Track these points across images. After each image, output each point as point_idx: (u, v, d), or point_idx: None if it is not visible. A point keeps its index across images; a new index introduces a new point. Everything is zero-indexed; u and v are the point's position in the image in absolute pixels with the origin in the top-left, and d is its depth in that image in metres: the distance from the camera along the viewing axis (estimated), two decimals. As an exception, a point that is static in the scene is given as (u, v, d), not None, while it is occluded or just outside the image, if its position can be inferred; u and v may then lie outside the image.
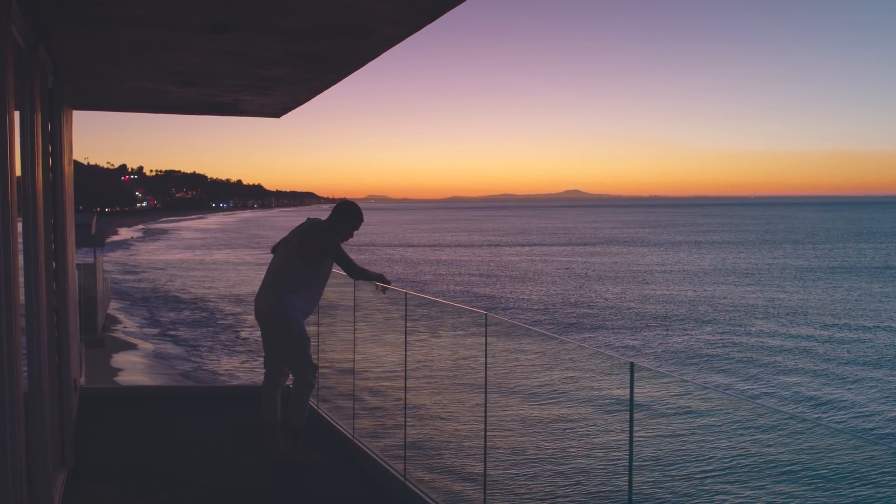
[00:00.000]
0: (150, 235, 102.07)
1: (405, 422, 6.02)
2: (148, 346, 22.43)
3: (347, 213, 6.16)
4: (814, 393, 20.96)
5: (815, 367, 23.76)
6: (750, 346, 26.78)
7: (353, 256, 6.04)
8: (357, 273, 5.99)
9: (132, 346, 21.06)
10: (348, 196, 7.34)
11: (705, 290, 42.48)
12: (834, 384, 21.90)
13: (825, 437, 13.99)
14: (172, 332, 26.48)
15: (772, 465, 13.29)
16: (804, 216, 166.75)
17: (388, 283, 5.95)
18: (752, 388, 21.37)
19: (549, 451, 13.79)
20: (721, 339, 28.03)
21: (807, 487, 12.51)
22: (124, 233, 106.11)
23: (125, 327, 25.17)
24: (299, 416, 6.03)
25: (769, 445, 13.98)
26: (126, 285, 42.44)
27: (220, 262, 59.43)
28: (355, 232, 6.23)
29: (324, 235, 5.99)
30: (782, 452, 13.62)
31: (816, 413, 19.10)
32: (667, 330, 29.93)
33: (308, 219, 6.20)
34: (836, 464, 13.30)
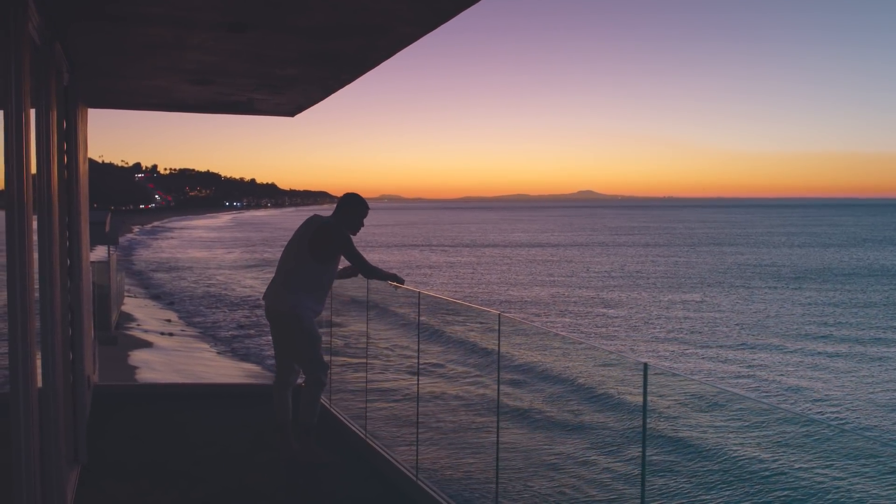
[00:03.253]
0: (150, 234, 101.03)
1: (417, 420, 6.02)
2: (165, 342, 22.46)
3: (353, 204, 6.15)
4: None
5: None
6: None
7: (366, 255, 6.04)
8: (370, 272, 5.98)
9: (147, 344, 21.11)
10: (361, 195, 7.43)
11: None
12: None
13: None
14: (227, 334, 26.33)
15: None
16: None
17: (402, 283, 5.94)
18: None
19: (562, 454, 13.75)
20: None
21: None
22: (137, 231, 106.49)
23: (139, 324, 25.20)
24: (311, 414, 6.03)
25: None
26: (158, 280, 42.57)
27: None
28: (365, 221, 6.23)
29: (336, 234, 5.98)
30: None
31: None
32: None
33: (314, 215, 6.18)
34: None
